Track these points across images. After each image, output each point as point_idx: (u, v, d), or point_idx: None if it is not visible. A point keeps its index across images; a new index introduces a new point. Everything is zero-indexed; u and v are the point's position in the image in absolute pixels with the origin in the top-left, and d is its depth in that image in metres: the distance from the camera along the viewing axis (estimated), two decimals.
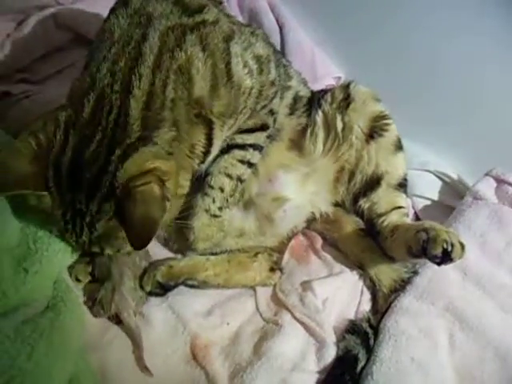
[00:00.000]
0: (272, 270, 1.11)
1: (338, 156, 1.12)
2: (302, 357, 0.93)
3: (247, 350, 0.95)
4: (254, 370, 0.88)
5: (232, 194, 0.99)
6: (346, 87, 1.13)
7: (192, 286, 1.05)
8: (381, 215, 1.10)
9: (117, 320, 0.93)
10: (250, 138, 0.98)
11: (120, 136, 0.75)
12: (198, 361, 0.93)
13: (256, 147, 1.00)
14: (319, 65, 1.52)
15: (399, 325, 0.97)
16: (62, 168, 0.75)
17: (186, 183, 0.87)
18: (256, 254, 1.11)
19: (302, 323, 0.99)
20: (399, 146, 1.11)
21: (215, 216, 0.98)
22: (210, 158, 0.94)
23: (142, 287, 1.01)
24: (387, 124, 1.10)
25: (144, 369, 0.88)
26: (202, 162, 0.92)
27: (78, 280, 0.97)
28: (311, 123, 1.12)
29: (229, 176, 0.97)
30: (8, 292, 0.76)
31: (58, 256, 0.90)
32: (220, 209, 0.98)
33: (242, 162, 0.98)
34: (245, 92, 0.89)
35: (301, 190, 1.11)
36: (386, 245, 1.08)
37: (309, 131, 1.11)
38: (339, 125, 1.11)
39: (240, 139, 0.97)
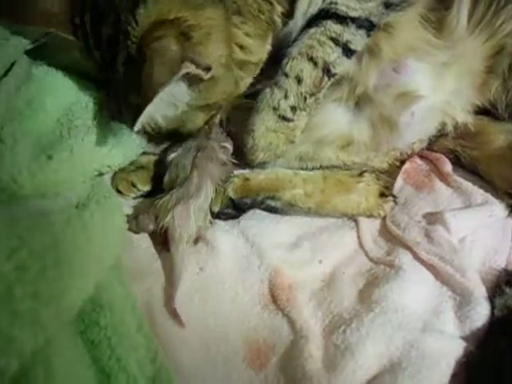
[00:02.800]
0: (382, 195, 0.80)
1: (493, 29, 0.76)
2: (436, 313, 0.62)
3: (349, 297, 0.67)
4: (364, 325, 0.60)
5: (313, 90, 0.68)
6: None
7: (273, 210, 0.78)
8: None
9: (162, 239, 0.69)
10: (356, 8, 0.66)
11: None
12: (280, 305, 0.66)
13: (362, 24, 0.67)
14: None
15: None
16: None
17: (257, 49, 0.62)
18: (361, 173, 0.81)
19: (431, 266, 0.68)
20: None
21: (285, 119, 0.70)
22: (300, 12, 0.64)
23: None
24: None
25: (173, 313, 0.64)
26: (286, 19, 0.63)
27: (118, 191, 0.74)
28: None
29: (312, 60, 0.67)
30: (19, 177, 0.53)
31: (97, 149, 0.66)
32: (293, 109, 0.69)
33: (335, 41, 0.66)
34: None
35: (437, 85, 0.77)
36: None
37: None
38: None
39: (343, 6, 0.65)
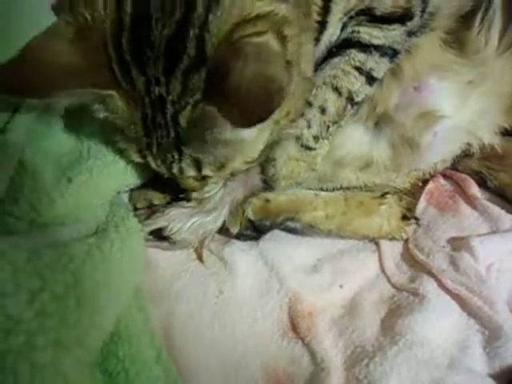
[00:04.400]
0: (405, 218, 0.78)
1: None
2: (462, 348, 0.60)
3: (372, 326, 0.64)
4: (388, 359, 0.58)
5: (336, 118, 0.67)
6: None
7: (293, 231, 0.76)
8: None
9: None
10: (379, 36, 0.64)
11: None
12: (300, 333, 0.64)
13: (385, 52, 0.65)
14: None
15: None
16: (124, 34, 0.49)
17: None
18: (384, 195, 0.79)
19: (457, 296, 0.66)
20: None
21: (307, 148, 0.68)
22: (325, 39, 0.62)
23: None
24: None
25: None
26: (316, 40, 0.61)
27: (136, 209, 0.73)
28: (482, 4, 0.74)
29: (336, 90, 0.65)
30: (38, 205, 0.52)
31: (116, 169, 0.65)
32: (316, 138, 0.67)
33: (359, 70, 0.65)
34: None
35: (460, 105, 0.75)
36: None
37: (478, 17, 0.74)
38: None
39: (366, 34, 0.63)
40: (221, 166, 0.57)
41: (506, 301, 0.66)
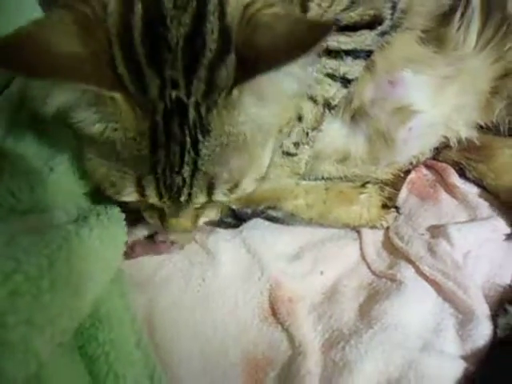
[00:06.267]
0: (385, 206, 0.79)
1: (501, 52, 0.75)
2: (436, 332, 0.62)
3: (350, 311, 0.66)
4: (363, 342, 0.59)
5: (314, 125, 0.68)
6: None
7: (275, 220, 0.77)
8: None
9: None
10: (348, 42, 0.64)
11: None
12: (280, 318, 0.66)
13: (358, 55, 0.66)
14: None
15: None
16: (135, 34, 0.44)
17: None
18: (364, 185, 0.80)
19: (433, 282, 0.67)
20: None
21: (289, 154, 0.69)
22: None
23: None
24: None
25: None
26: None
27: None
28: (461, 3, 0.75)
29: (311, 99, 0.66)
30: (18, 192, 0.53)
31: None
32: (296, 145, 0.69)
33: (332, 77, 0.65)
34: None
35: (436, 100, 0.76)
36: None
37: (457, 15, 0.75)
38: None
39: (333, 41, 0.63)
40: (234, 186, 0.53)
41: (480, 285, 0.67)
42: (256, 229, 0.77)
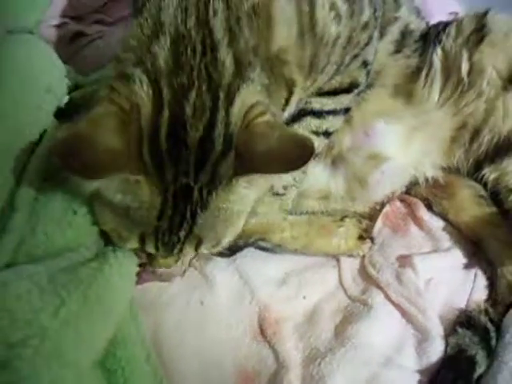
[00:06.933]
0: (361, 238, 0.91)
1: (459, 108, 0.88)
2: (398, 349, 0.73)
3: (327, 331, 0.77)
4: (336, 359, 0.71)
5: (299, 172, 0.80)
6: (481, 17, 0.87)
7: (264, 249, 0.89)
8: None
9: None
10: (329, 103, 0.78)
11: (217, 77, 0.58)
12: (267, 337, 0.77)
13: (338, 113, 0.79)
14: None
15: None
16: (161, 133, 0.55)
17: None
18: (343, 218, 0.91)
19: (398, 306, 0.79)
20: None
21: (278, 195, 0.81)
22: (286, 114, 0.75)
23: None
24: None
25: None
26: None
27: None
28: (425, 64, 0.88)
29: None
30: (52, 235, 0.64)
31: None
32: (285, 187, 0.81)
33: (316, 133, 0.78)
34: (328, 43, 0.68)
35: (405, 147, 0.89)
36: None
37: (423, 74, 0.88)
38: (465, 66, 0.86)
39: (317, 104, 0.77)
40: (216, 244, 0.66)
41: (439, 309, 0.79)
42: (248, 257, 0.88)
